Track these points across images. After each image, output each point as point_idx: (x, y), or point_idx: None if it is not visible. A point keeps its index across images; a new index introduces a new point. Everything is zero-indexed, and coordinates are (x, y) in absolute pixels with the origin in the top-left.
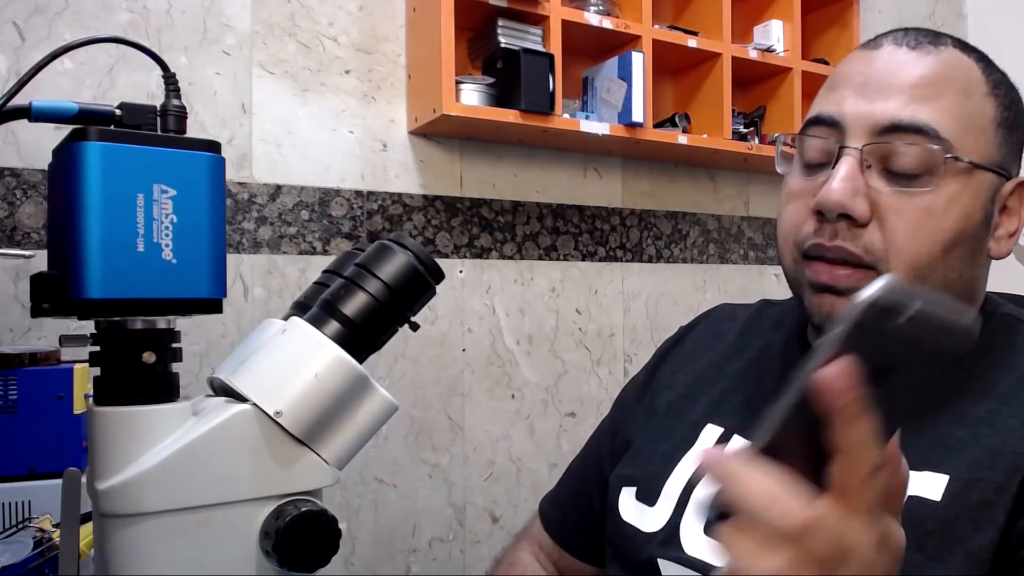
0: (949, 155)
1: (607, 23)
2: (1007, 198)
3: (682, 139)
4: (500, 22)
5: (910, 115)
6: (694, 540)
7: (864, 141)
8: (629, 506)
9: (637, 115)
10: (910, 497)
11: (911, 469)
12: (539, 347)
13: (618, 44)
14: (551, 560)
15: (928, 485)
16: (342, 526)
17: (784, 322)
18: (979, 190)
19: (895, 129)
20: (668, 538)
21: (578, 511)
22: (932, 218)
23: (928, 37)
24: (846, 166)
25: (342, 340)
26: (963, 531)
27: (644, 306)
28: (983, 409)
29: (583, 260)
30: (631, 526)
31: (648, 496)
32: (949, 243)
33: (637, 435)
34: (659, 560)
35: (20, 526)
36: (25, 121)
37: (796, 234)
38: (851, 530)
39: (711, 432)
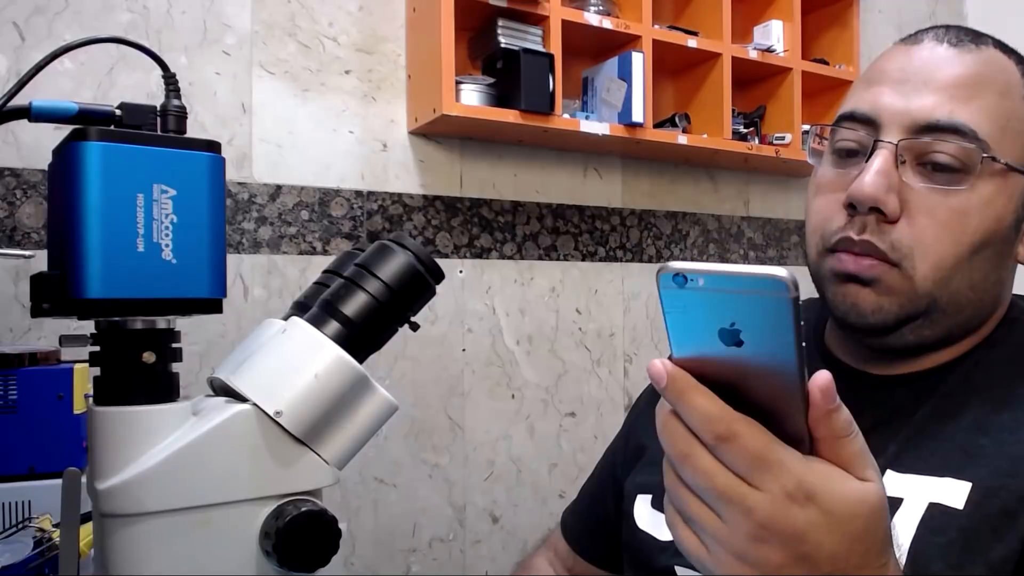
0: (987, 155)
1: (607, 23)
2: None
3: (682, 139)
4: (500, 22)
5: (948, 114)
6: None
7: (900, 137)
8: (644, 514)
9: (637, 115)
10: (933, 505)
11: (933, 475)
12: (539, 347)
13: (618, 44)
14: (565, 566)
15: (951, 493)
16: (342, 526)
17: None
18: (1013, 193)
19: (932, 129)
20: None
21: (593, 517)
22: (963, 218)
23: (970, 36)
24: (880, 160)
25: (342, 340)
26: (985, 540)
27: (644, 306)
28: (1007, 417)
29: (583, 260)
30: (646, 534)
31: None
32: (978, 245)
33: (651, 441)
34: (676, 568)
35: (20, 526)
36: (25, 121)
37: (824, 227)
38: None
39: None
